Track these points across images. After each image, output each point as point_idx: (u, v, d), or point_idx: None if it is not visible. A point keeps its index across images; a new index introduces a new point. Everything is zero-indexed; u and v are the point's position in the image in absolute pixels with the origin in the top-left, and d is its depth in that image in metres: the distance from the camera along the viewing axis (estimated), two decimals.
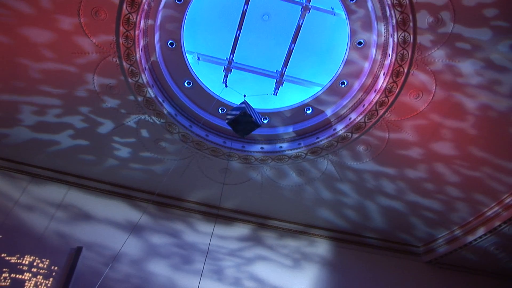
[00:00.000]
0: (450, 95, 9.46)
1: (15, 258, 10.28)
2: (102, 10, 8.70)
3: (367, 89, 10.79)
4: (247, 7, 11.17)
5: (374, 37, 10.31)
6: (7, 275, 10.00)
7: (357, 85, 11.08)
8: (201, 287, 9.77)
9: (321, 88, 11.78)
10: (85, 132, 11.08)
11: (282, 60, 12.08)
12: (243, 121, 9.92)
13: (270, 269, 12.15)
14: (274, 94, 12.57)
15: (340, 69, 11.18)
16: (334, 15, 11.58)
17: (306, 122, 11.85)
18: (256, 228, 12.93)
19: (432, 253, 13.11)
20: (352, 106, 11.09)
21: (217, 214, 12.04)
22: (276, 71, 12.44)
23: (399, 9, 8.55)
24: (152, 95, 10.43)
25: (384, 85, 9.90)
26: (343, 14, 10.67)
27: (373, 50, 10.43)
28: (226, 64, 12.15)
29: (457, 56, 8.78)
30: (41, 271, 10.30)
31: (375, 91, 10.34)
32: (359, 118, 10.67)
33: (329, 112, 11.55)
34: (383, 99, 10.06)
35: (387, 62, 9.89)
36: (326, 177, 11.87)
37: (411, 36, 8.77)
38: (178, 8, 10.38)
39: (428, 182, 11.36)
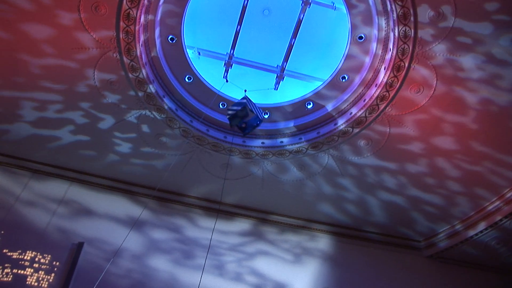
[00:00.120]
0: (451, 90, 9.43)
1: (17, 253, 10.32)
2: (102, 5, 8.68)
3: (368, 84, 10.76)
4: (247, 2, 11.13)
5: (375, 31, 10.28)
6: (9, 270, 10.04)
7: (358, 79, 11.05)
8: (203, 282, 9.78)
9: (321, 82, 11.76)
10: (86, 127, 11.08)
11: (282, 54, 12.05)
12: (249, 125, 9.94)
13: (271, 264, 12.19)
14: (274, 89, 12.55)
15: (341, 63, 11.15)
16: (334, 10, 11.54)
17: (307, 116, 11.85)
18: (257, 223, 12.95)
19: (433, 247, 13.12)
20: (353, 100, 11.07)
21: (218, 209, 12.04)
22: (277, 66, 12.42)
23: (400, 3, 8.51)
24: (153, 90, 10.43)
25: (385, 80, 9.88)
26: (343, 8, 10.63)
27: (374, 45, 10.40)
28: (227, 59, 12.12)
29: (458, 51, 8.75)
30: (42, 266, 10.34)
31: (376, 86, 10.32)
32: (360, 112, 10.66)
33: (329, 106, 11.53)
34: (384, 93, 10.04)
35: (388, 56, 9.86)
36: (327, 172, 11.87)
37: (412, 30, 8.74)
38: (178, 3, 10.34)
39: (429, 177, 11.36)
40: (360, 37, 10.68)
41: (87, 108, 10.64)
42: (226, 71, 12.24)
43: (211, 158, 11.81)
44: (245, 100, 9.94)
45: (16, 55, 9.41)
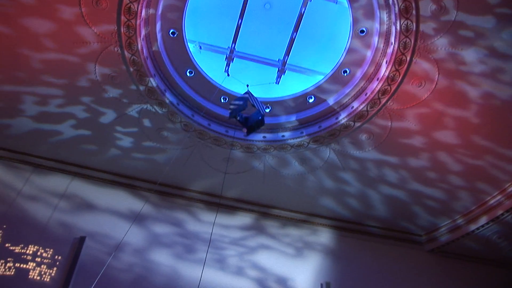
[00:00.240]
0: (453, 84, 9.40)
1: (19, 247, 10.36)
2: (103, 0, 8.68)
3: (369, 78, 10.73)
4: None
5: (377, 25, 10.24)
6: (12, 264, 10.08)
7: (359, 73, 11.02)
8: (204, 276, 9.80)
9: (323, 76, 11.72)
10: (87, 122, 11.08)
11: (284, 48, 12.02)
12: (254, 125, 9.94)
13: (272, 258, 12.21)
14: (276, 83, 12.53)
15: (343, 57, 11.11)
16: (336, 3, 11.52)
17: (309, 110, 11.83)
18: (259, 217, 12.97)
19: (434, 242, 13.14)
20: (354, 94, 11.05)
21: (220, 203, 12.06)
22: (278, 59, 12.39)
23: None
24: (154, 85, 10.41)
25: (386, 74, 9.85)
26: (345, 2, 10.59)
27: (376, 38, 10.37)
28: (228, 53, 12.09)
29: (460, 44, 8.71)
30: (45, 260, 10.37)
31: (377, 80, 10.30)
32: (361, 106, 10.64)
33: (331, 100, 11.51)
34: (386, 87, 10.01)
35: (389, 50, 9.83)
36: (328, 166, 11.87)
37: (414, 24, 8.70)
38: None
39: (431, 171, 11.35)
40: (362, 31, 10.63)
41: (88, 103, 10.64)
42: (228, 65, 12.21)
43: (212, 152, 11.81)
44: (247, 95, 9.93)
45: (17, 50, 9.39)
